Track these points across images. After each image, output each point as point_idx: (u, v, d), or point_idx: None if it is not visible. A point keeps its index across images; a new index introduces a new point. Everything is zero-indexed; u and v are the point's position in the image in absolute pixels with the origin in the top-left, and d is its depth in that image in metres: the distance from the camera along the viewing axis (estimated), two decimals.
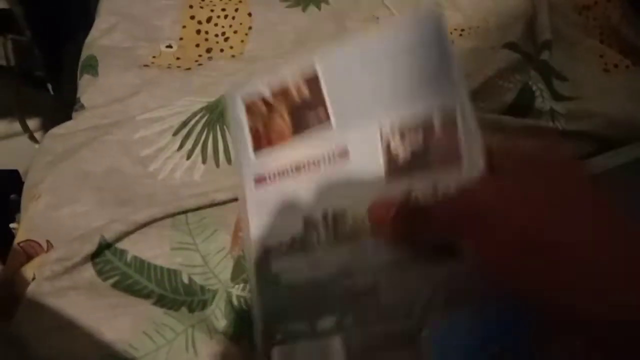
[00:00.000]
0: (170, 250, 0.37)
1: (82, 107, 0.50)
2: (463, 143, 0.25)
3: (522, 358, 0.25)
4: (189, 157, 0.43)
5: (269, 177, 0.30)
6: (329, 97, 0.29)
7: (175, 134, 0.44)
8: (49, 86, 0.61)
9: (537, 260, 0.21)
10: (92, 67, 0.52)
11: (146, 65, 0.50)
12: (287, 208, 0.29)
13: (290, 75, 0.29)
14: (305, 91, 0.29)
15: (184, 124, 0.44)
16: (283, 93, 0.30)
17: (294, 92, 0.29)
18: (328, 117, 0.29)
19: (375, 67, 0.27)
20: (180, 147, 0.43)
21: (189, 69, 0.50)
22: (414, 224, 0.26)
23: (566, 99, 0.49)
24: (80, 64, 0.54)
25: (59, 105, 0.65)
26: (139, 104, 0.47)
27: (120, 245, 0.37)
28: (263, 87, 0.30)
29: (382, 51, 0.27)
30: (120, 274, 0.36)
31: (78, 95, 0.51)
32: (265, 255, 0.29)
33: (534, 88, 0.48)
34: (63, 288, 0.35)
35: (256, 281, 0.29)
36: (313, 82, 0.29)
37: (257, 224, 0.30)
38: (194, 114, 0.45)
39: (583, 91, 0.50)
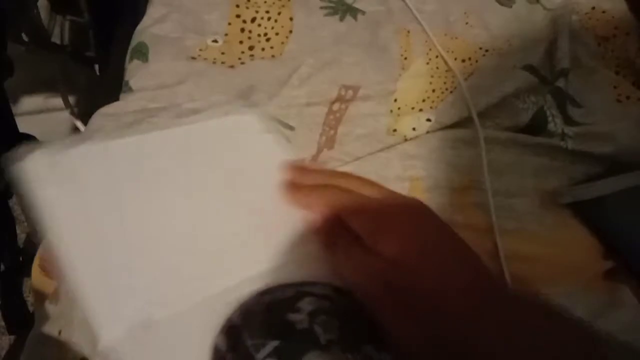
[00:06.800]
0: None
1: (130, 89, 0.54)
2: None
3: None
4: None
5: None
6: None
7: None
8: (96, 67, 0.66)
9: None
10: (142, 53, 0.56)
11: (193, 58, 0.54)
12: None
13: None
14: None
15: None
16: None
17: None
18: None
19: None
20: None
21: (232, 66, 0.55)
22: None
23: (578, 125, 0.53)
24: (130, 49, 0.58)
25: (102, 85, 0.69)
26: (185, 93, 0.52)
27: None
28: None
29: None
30: None
31: (126, 78, 0.55)
32: None
33: (548, 113, 0.52)
34: None
35: None
36: None
37: None
38: None
39: (595, 118, 0.54)
